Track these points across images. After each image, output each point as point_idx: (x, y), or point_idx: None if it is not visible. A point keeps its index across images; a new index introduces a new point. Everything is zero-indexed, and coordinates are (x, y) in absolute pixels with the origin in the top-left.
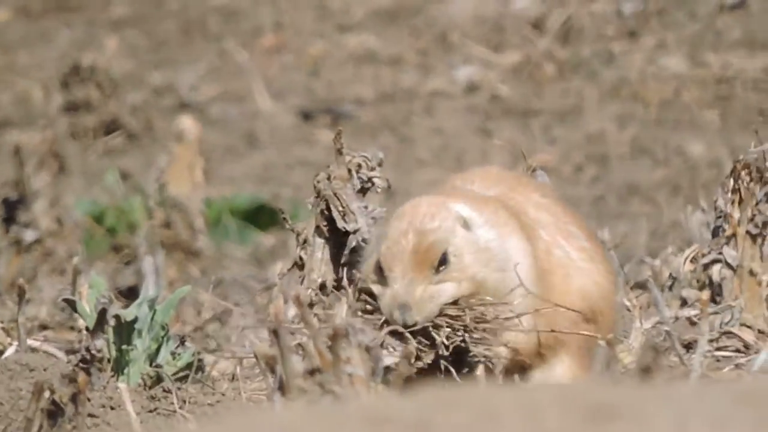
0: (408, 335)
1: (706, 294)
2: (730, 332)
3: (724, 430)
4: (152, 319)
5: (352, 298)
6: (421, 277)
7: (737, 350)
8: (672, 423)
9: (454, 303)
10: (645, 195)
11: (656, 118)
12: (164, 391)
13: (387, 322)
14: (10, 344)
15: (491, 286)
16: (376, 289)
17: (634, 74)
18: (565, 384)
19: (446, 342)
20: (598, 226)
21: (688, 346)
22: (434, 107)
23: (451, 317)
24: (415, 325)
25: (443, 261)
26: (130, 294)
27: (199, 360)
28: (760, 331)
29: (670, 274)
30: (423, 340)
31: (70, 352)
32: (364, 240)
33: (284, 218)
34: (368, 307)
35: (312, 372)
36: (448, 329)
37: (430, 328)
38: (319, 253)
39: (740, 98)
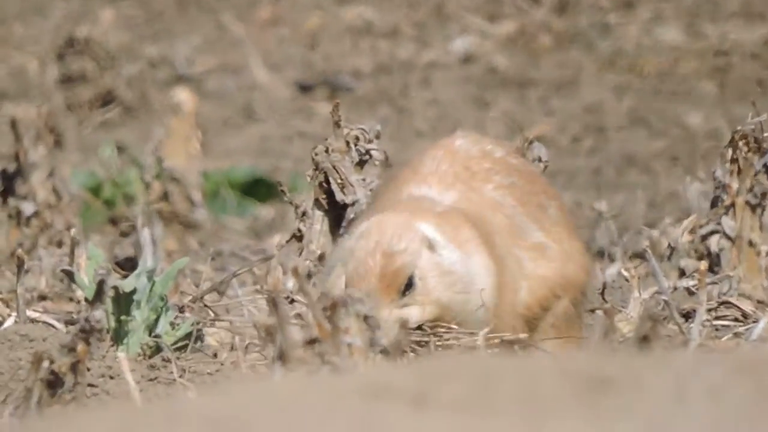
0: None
1: (704, 264)
2: (729, 302)
3: (722, 399)
4: (151, 290)
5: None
6: (387, 300)
7: (735, 320)
8: (670, 392)
9: (419, 328)
10: (643, 165)
11: (654, 89)
12: (164, 360)
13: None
14: (9, 315)
15: (455, 308)
16: None
17: (631, 45)
18: (563, 354)
19: None
20: (595, 196)
21: (687, 316)
22: (431, 79)
23: (415, 342)
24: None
25: (409, 285)
26: (128, 266)
27: (198, 330)
28: (758, 301)
29: (669, 245)
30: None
31: (69, 322)
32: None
33: (283, 191)
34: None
35: (311, 342)
36: (412, 354)
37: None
38: (318, 225)
39: (738, 69)
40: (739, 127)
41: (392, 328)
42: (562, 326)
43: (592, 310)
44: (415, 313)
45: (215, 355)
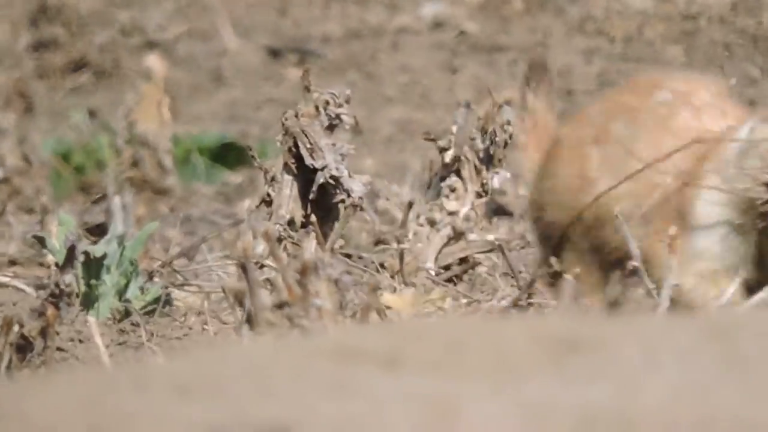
0: None
1: (674, 228)
2: None
3: (692, 362)
4: (121, 255)
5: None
6: None
7: None
8: (640, 355)
9: None
10: None
11: (622, 53)
12: (133, 324)
13: None
14: None
15: None
16: None
17: (600, 10)
18: (534, 316)
19: None
20: None
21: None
22: (401, 44)
23: None
24: None
25: None
26: (98, 231)
27: (167, 294)
28: None
29: None
30: None
31: (39, 287)
32: (332, 177)
33: (252, 156)
34: None
35: (280, 305)
36: None
37: None
38: (287, 189)
39: (705, 34)
40: None
41: None
42: None
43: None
44: None
45: (184, 320)
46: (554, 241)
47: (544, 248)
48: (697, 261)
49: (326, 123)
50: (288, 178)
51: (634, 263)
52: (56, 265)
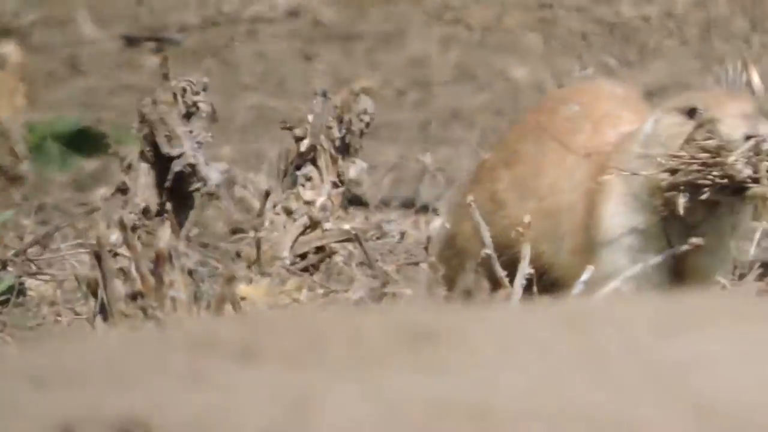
0: None
1: (527, 218)
2: None
3: (547, 353)
4: None
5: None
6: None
7: None
8: (496, 345)
9: None
10: (468, 119)
11: (480, 41)
12: None
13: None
14: None
15: None
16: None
17: None
18: (390, 307)
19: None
20: (421, 150)
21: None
22: (256, 32)
23: None
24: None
25: None
26: None
27: (21, 284)
28: None
29: None
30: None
31: None
32: (188, 165)
33: (108, 143)
34: None
35: (134, 296)
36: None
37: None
38: (143, 177)
39: (563, 23)
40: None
41: None
42: None
43: (416, 264)
44: None
45: (37, 309)
46: (460, 254)
47: (449, 259)
48: (608, 280)
49: (183, 111)
50: (144, 165)
51: (487, 251)
52: None
